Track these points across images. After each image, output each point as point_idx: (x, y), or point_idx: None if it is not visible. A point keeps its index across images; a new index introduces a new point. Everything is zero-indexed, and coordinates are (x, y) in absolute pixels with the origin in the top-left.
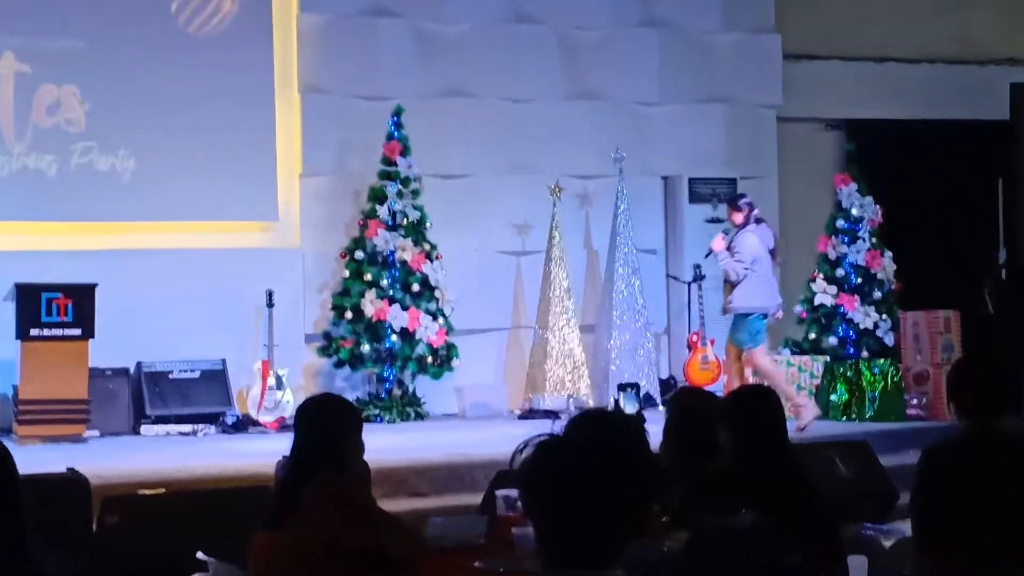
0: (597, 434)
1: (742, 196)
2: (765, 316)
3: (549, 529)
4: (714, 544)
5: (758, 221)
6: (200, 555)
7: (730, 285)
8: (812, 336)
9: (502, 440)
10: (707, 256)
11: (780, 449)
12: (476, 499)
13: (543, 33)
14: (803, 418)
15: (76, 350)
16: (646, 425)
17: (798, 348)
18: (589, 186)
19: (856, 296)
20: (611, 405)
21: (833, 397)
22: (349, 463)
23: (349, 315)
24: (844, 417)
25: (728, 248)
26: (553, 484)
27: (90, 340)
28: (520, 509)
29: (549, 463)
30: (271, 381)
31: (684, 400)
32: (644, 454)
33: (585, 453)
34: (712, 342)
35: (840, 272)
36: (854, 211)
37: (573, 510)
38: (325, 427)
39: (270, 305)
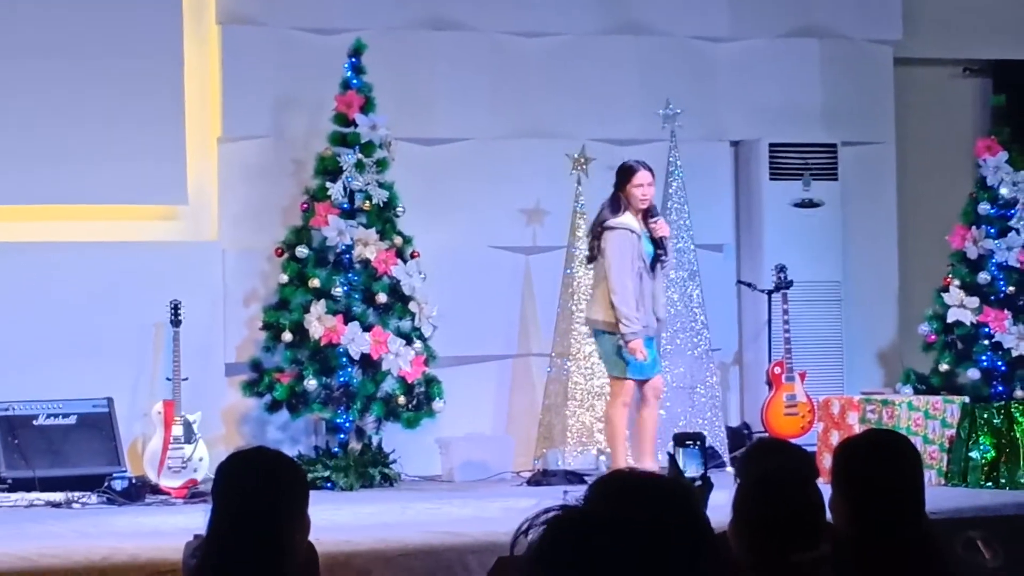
0: (632, 507)
1: None
2: None
3: None
4: None
5: None
6: None
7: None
8: (944, 367)
9: (504, 515)
10: (658, 250)
11: (914, 528)
12: None
13: None
14: None
15: None
16: (711, 493)
17: (925, 385)
18: (628, 155)
19: (1007, 311)
20: (661, 465)
21: (974, 454)
22: (289, 547)
23: (288, 337)
24: (989, 483)
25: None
26: None
27: None
28: None
29: (564, 548)
30: (177, 431)
31: (763, 458)
32: (703, 536)
33: (615, 534)
34: (803, 376)
35: (984, 277)
36: (1003, 191)
37: None
38: (255, 496)
39: (176, 323)
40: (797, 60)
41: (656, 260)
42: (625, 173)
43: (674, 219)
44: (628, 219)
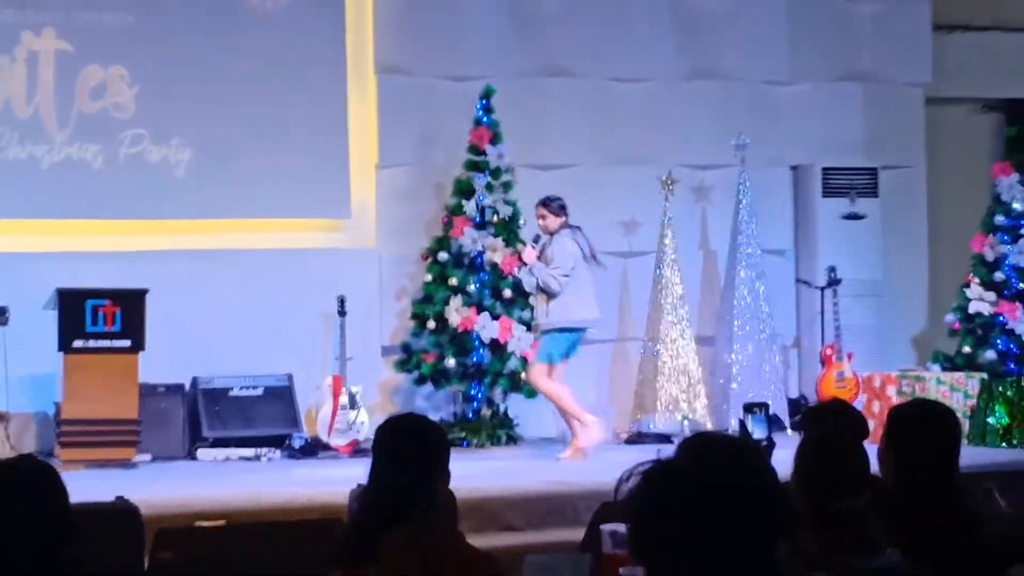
0: (711, 461)
1: (557, 199)
2: (583, 331)
3: (660, 571)
4: None
5: (572, 227)
6: None
7: (545, 296)
8: (967, 350)
9: (606, 467)
10: (519, 269)
11: (946, 480)
12: (577, 535)
13: (655, 2)
14: (583, 439)
15: (125, 364)
16: (774, 452)
17: (950, 364)
18: (706, 178)
19: (1018, 304)
20: (734, 429)
21: (991, 420)
22: (434, 493)
23: (431, 325)
24: (1004, 443)
25: (540, 257)
26: (661, 519)
27: (140, 353)
28: None
29: (655, 494)
30: (343, 400)
31: (823, 418)
32: (769, 484)
33: (697, 483)
34: (850, 356)
35: (999, 276)
36: (1016, 205)
37: (685, 550)
38: (410, 454)
39: (342, 313)
40: (845, 99)
41: None
42: (564, 208)
43: (743, 230)
44: None
